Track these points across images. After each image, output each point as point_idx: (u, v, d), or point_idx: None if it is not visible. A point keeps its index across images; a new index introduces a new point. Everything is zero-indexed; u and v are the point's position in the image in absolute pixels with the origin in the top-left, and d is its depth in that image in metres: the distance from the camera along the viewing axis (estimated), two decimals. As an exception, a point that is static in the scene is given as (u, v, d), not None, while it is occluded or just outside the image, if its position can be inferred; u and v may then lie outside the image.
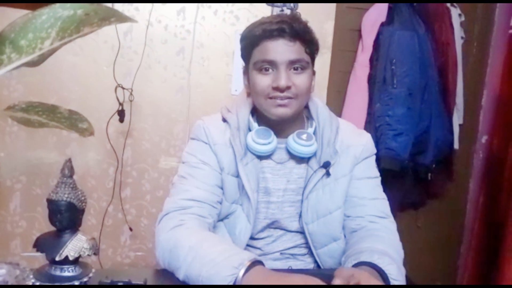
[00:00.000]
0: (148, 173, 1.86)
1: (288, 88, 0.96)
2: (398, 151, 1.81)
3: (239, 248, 0.97)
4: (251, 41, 0.99)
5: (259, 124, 1.06)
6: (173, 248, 0.87)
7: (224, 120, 1.07)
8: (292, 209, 1.07)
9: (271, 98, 0.98)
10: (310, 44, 0.99)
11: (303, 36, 0.97)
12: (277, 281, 0.75)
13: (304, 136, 1.02)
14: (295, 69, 0.97)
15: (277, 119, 1.01)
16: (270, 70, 0.97)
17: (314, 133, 1.06)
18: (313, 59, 1.02)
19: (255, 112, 1.09)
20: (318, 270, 1.06)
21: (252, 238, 1.06)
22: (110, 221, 1.85)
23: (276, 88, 0.96)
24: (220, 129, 1.05)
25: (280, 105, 0.98)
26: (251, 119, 1.06)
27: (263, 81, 0.98)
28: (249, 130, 1.05)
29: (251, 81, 1.02)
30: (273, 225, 1.07)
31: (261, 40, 0.96)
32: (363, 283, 0.74)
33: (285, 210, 1.06)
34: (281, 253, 1.08)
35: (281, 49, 0.95)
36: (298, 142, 1.01)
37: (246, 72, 1.05)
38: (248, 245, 1.06)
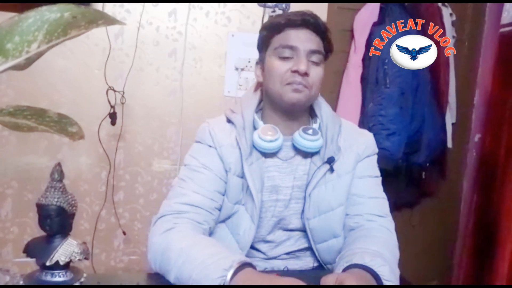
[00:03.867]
0: (141, 176, 1.85)
1: (307, 75, 0.98)
2: (392, 151, 1.81)
3: (245, 248, 0.99)
4: (274, 28, 1.01)
5: (265, 122, 1.06)
6: (165, 251, 0.87)
7: (229, 121, 1.07)
8: (298, 205, 1.06)
9: (288, 84, 0.99)
10: (327, 42, 1.02)
11: (324, 33, 1.01)
12: (265, 283, 0.75)
13: (310, 131, 1.03)
14: (313, 60, 0.99)
15: (290, 107, 1.02)
16: (290, 57, 0.99)
17: (319, 129, 1.07)
18: (325, 59, 1.04)
19: (261, 110, 1.10)
20: (311, 273, 1.05)
21: (262, 240, 1.06)
22: (103, 225, 1.83)
23: (296, 72, 0.97)
24: (225, 131, 1.05)
25: (296, 90, 0.99)
26: (256, 117, 1.06)
27: (282, 65, 0.99)
28: (254, 128, 1.05)
29: (267, 67, 1.03)
30: (279, 224, 1.06)
31: (284, 28, 0.99)
32: (347, 283, 0.75)
33: (291, 207, 1.06)
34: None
35: (304, 38, 0.98)
36: (305, 137, 1.02)
37: (260, 61, 1.07)
38: (255, 248, 1.06)
